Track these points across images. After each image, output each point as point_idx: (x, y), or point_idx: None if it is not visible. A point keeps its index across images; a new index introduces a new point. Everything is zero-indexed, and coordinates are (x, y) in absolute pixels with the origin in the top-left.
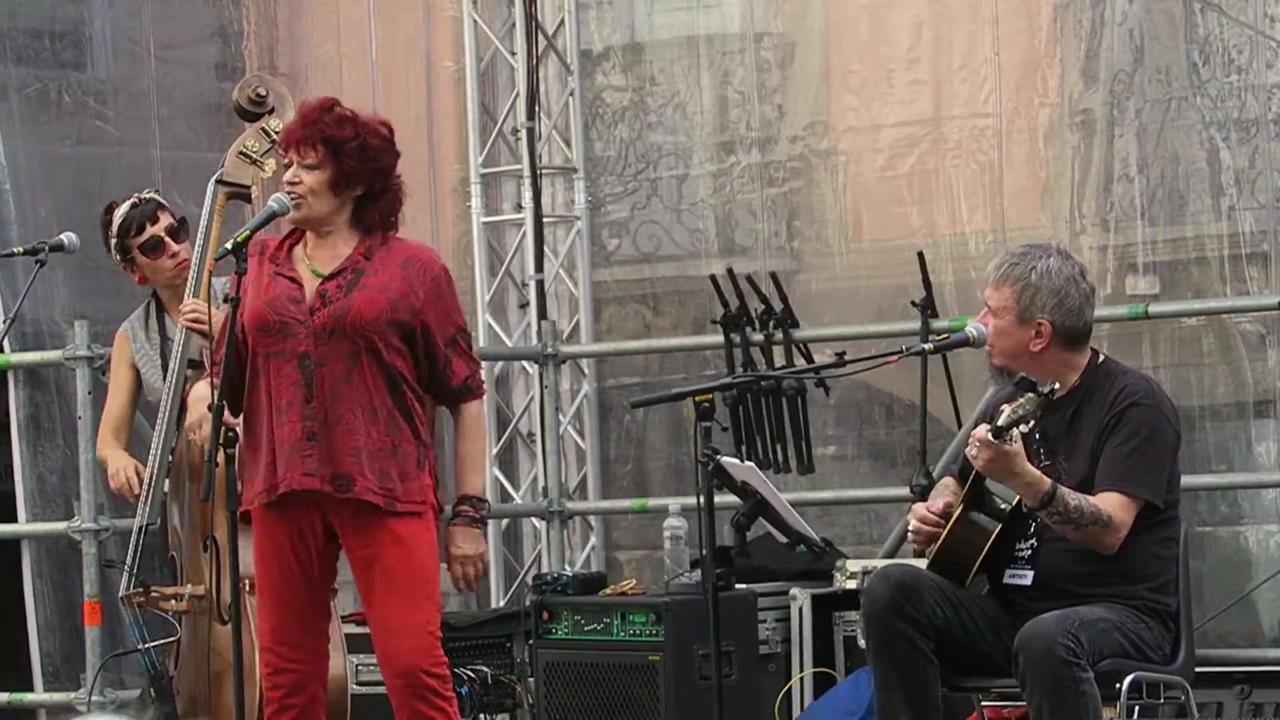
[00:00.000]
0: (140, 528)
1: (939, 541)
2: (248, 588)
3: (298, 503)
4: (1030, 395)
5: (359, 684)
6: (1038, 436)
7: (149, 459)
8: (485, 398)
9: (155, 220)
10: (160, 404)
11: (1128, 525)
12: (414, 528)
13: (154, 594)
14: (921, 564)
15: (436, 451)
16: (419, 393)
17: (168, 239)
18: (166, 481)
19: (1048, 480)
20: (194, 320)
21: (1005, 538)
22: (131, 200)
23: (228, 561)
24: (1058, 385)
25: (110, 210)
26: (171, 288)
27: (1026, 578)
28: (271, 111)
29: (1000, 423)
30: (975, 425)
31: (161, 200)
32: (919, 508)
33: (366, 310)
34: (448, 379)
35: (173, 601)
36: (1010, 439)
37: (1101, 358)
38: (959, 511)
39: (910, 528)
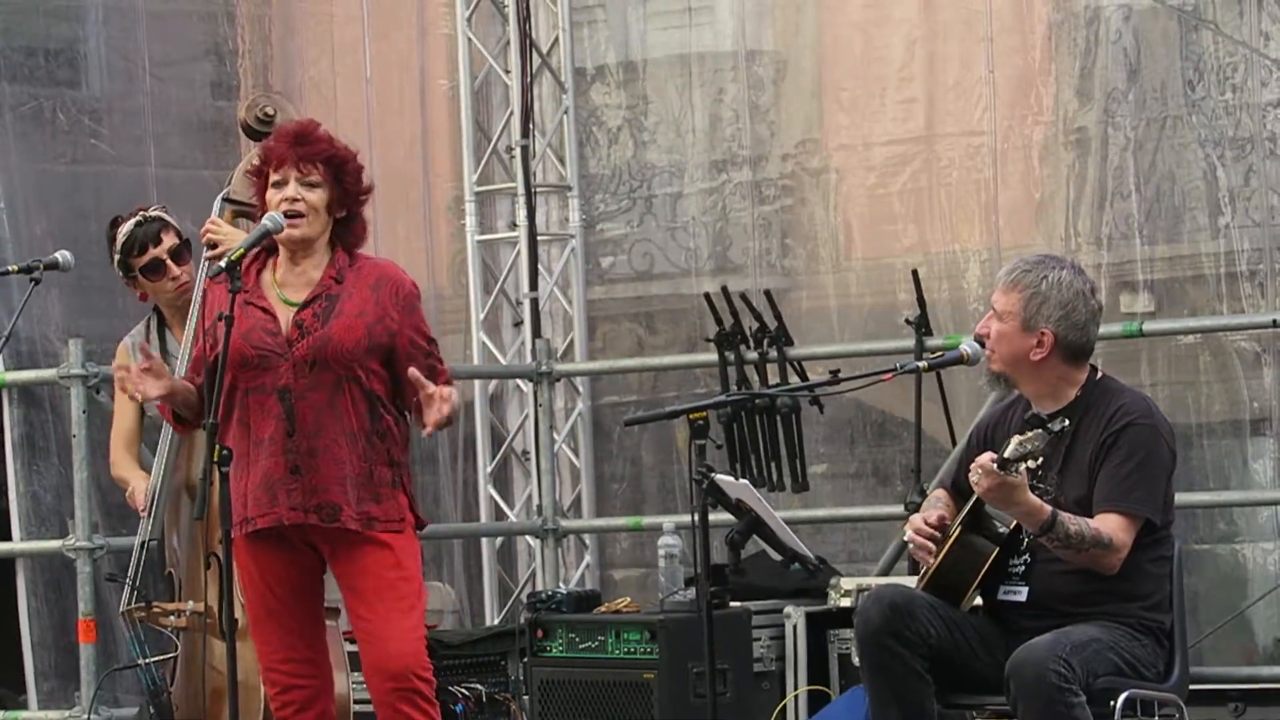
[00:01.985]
0: (143, 542)
1: (935, 562)
2: None
3: (283, 531)
4: (1039, 431)
5: (357, 702)
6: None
7: (151, 475)
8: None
9: (158, 242)
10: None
11: (1128, 545)
12: (398, 540)
13: (155, 609)
14: (912, 581)
15: (417, 470)
16: (395, 414)
17: (169, 262)
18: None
19: (1048, 508)
20: (212, 239)
21: (999, 555)
22: (136, 218)
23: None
24: (1068, 423)
25: (115, 225)
26: (174, 307)
27: (1021, 594)
28: None
29: (1007, 454)
30: (970, 441)
31: (167, 219)
32: (915, 519)
33: (346, 338)
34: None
35: (173, 617)
36: (1015, 471)
37: (1100, 374)
38: (956, 533)
39: (906, 537)
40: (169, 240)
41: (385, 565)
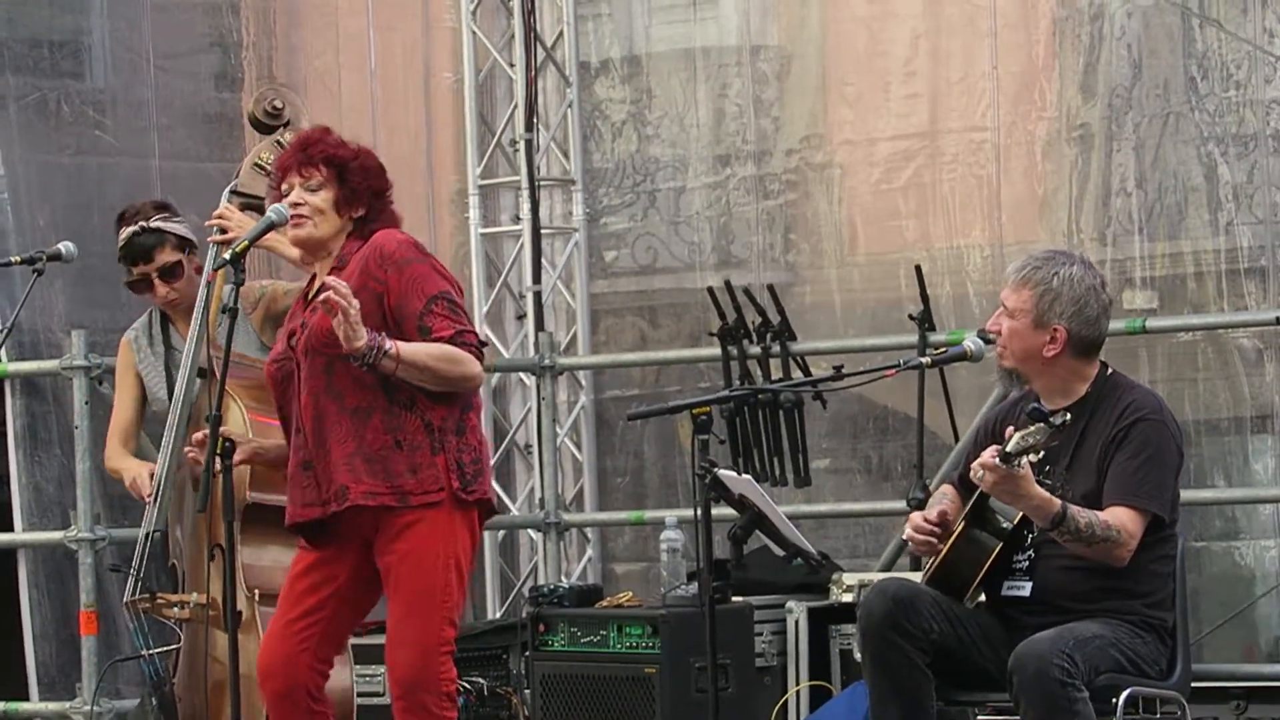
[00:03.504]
0: (146, 534)
1: (939, 556)
2: (255, 596)
3: (329, 530)
4: (1041, 425)
5: (359, 695)
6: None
7: (157, 467)
8: (480, 369)
9: (150, 259)
10: (168, 413)
11: (1138, 538)
12: (428, 530)
13: (159, 600)
14: (918, 577)
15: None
16: None
17: (156, 280)
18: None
19: (1058, 501)
20: (221, 226)
21: (1003, 550)
22: (135, 228)
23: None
24: (1069, 416)
25: (122, 219)
26: (174, 310)
27: (1025, 589)
28: (287, 124)
29: (1009, 449)
30: (975, 437)
31: (166, 231)
32: (915, 516)
33: (324, 321)
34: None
35: (176, 609)
36: (1017, 465)
37: (1110, 370)
38: (961, 528)
39: (905, 535)
40: (163, 257)
41: (406, 562)
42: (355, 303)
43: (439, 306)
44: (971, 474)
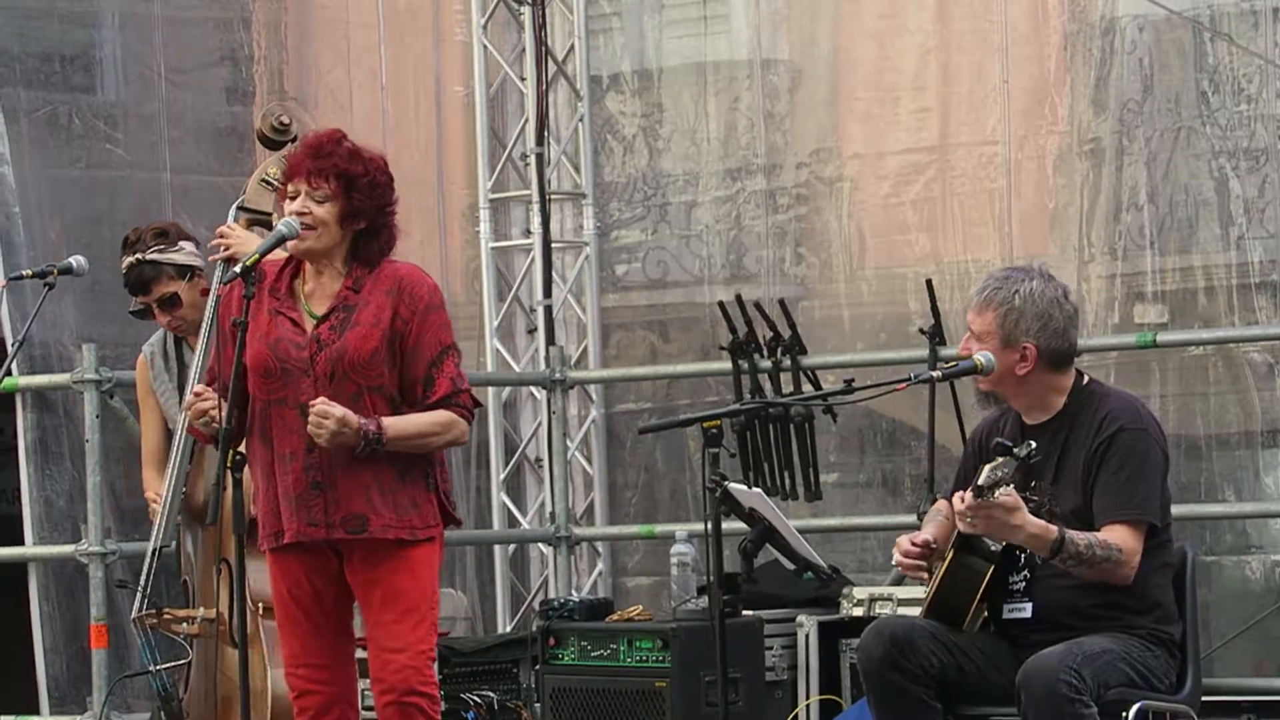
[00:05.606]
0: (154, 550)
1: (933, 586)
2: (260, 610)
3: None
4: (1008, 459)
5: (366, 708)
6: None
7: (165, 483)
8: (466, 430)
9: (148, 291)
10: (176, 431)
11: (1138, 553)
12: (422, 552)
13: (166, 616)
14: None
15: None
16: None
17: (158, 311)
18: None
19: (1054, 529)
20: (224, 244)
21: (997, 573)
22: (132, 259)
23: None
24: (1034, 445)
25: (125, 245)
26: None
27: (1025, 609)
28: (294, 140)
29: (981, 482)
30: (966, 450)
31: (163, 262)
32: (903, 540)
33: (362, 348)
34: (428, 396)
35: (185, 624)
36: (992, 496)
37: (1086, 379)
38: (950, 554)
39: (894, 560)
40: (160, 289)
41: (398, 573)
42: (338, 419)
43: (449, 359)
44: (959, 523)
